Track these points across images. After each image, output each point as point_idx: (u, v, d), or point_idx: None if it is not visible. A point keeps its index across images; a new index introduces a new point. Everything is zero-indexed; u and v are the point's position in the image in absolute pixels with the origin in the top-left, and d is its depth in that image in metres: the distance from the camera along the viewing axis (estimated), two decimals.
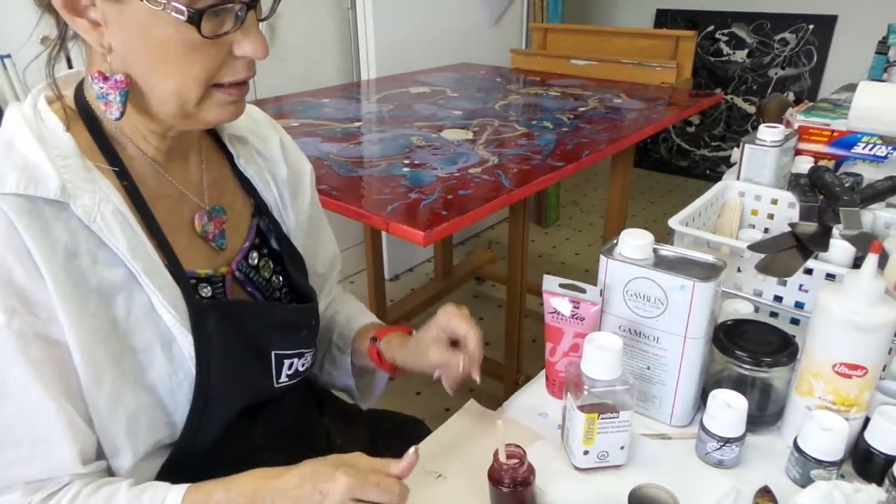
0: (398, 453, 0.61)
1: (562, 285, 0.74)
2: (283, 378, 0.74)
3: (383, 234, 2.29)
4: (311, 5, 2.45)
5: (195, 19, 0.54)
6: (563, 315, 0.74)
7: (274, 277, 0.76)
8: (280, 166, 0.79)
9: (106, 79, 0.58)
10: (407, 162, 1.36)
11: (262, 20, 0.61)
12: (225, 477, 0.60)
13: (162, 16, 0.54)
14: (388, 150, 1.44)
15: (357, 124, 1.67)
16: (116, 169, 0.62)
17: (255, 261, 0.74)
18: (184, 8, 0.54)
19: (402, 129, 1.61)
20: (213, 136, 0.75)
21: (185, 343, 0.63)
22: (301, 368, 0.76)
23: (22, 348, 0.54)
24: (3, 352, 0.54)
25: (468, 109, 1.81)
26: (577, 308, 0.73)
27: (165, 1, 0.53)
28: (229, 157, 0.75)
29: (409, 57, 2.57)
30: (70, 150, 0.59)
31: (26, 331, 0.55)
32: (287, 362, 0.74)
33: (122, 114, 0.59)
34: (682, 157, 4.07)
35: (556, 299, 0.74)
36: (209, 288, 0.68)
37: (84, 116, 0.62)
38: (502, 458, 0.61)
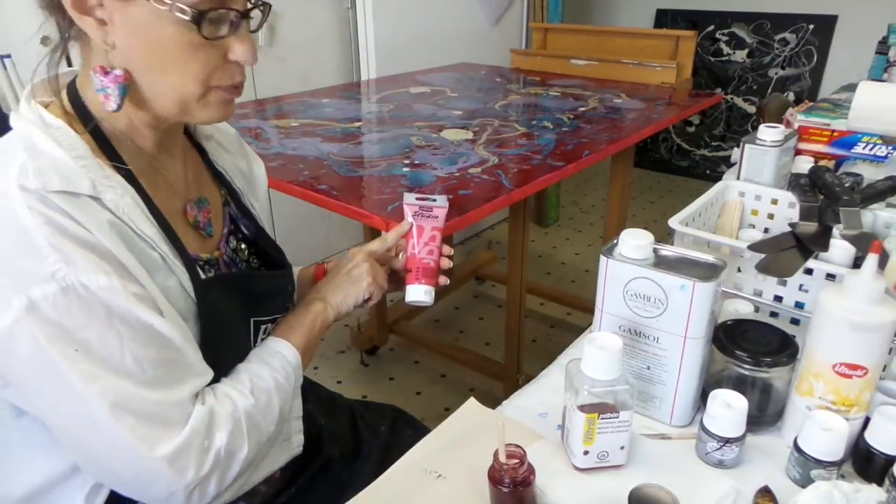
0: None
1: (417, 198, 0.90)
2: (259, 343, 0.80)
3: (383, 234, 2.28)
4: (311, 5, 2.45)
5: (197, 19, 0.60)
6: (423, 214, 0.89)
7: (251, 258, 0.84)
8: (240, 158, 0.88)
9: (107, 73, 0.62)
10: (407, 162, 1.36)
11: (253, 31, 0.67)
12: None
13: (166, 16, 0.59)
14: (388, 150, 1.44)
15: (357, 124, 1.67)
16: (126, 167, 0.66)
17: (234, 244, 0.82)
18: (187, 8, 0.59)
19: (402, 129, 1.61)
20: (187, 135, 0.81)
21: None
22: None
23: (133, 299, 0.59)
24: (123, 305, 0.58)
25: (468, 109, 1.81)
26: (432, 210, 0.89)
27: (171, 2, 0.59)
28: (201, 153, 0.82)
29: (409, 57, 2.57)
30: (85, 150, 0.62)
31: (129, 290, 0.59)
32: (263, 327, 0.80)
33: (119, 106, 0.63)
34: (682, 157, 4.07)
35: (415, 207, 0.89)
36: (212, 271, 0.75)
37: (81, 117, 0.65)
38: (502, 458, 0.61)
